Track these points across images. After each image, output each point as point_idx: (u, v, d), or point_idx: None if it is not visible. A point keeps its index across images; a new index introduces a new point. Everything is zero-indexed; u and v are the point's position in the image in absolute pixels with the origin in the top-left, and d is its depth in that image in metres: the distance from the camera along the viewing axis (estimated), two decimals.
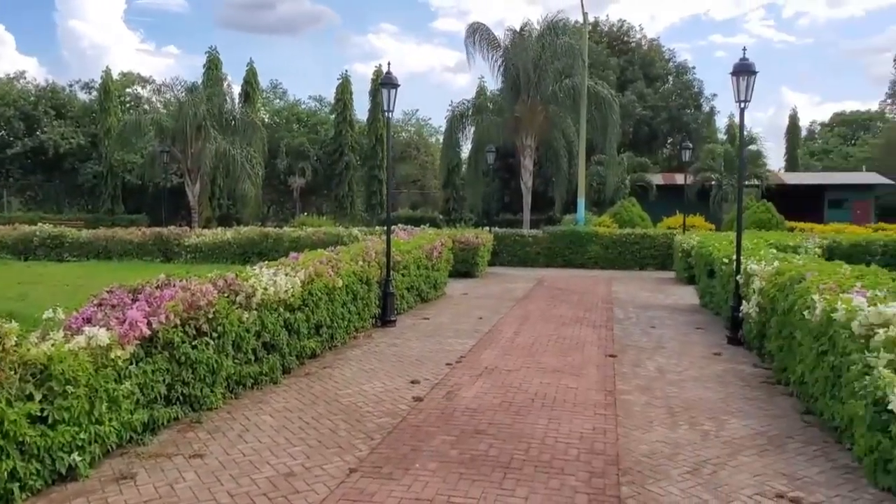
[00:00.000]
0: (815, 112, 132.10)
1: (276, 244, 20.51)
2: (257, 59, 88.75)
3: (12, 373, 4.00)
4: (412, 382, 7.01)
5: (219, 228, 24.19)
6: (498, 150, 27.92)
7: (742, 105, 9.75)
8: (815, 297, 5.79)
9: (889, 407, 4.20)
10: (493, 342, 9.20)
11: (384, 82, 10.77)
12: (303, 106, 49.39)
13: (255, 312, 6.43)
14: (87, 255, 22.33)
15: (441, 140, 53.13)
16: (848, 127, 64.73)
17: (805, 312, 5.94)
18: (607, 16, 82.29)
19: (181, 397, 5.58)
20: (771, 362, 7.65)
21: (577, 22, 31.53)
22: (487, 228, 22.20)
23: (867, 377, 4.62)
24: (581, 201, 25.39)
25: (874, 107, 58.91)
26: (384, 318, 10.25)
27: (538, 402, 6.39)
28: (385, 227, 11.31)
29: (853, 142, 61.13)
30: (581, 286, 16.19)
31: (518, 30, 30.31)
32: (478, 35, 30.49)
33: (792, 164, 58.38)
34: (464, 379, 7.18)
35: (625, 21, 52.52)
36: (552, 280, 17.48)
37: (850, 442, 5.00)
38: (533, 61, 28.76)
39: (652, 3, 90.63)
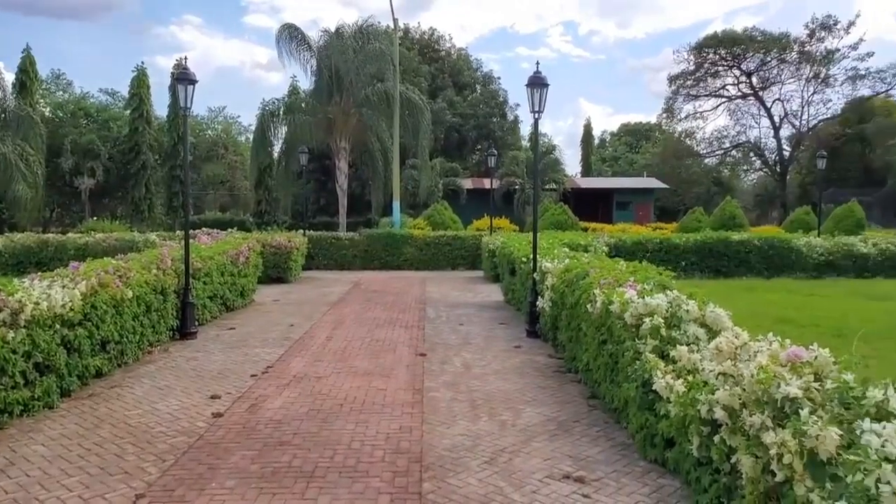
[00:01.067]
0: (607, 122, 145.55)
1: (59, 252, 18.51)
2: (36, 45, 79.68)
3: None
4: (212, 397, 6.63)
5: None
6: (312, 151, 27.50)
7: (536, 115, 10.44)
8: (596, 291, 6.35)
9: (654, 387, 4.71)
10: (303, 349, 9.01)
11: (180, 77, 10.12)
12: (92, 100, 45.08)
13: (23, 331, 5.69)
14: None
15: (251, 139, 51.26)
16: (633, 136, 72.06)
17: (588, 306, 6.48)
18: (419, 23, 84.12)
19: None
20: (563, 352, 8.27)
21: (388, 27, 31.98)
22: (302, 231, 21.75)
23: (637, 362, 5.14)
24: (396, 204, 25.78)
25: (654, 119, 66.25)
26: (183, 331, 9.61)
27: (347, 406, 6.36)
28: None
29: (637, 150, 68.17)
30: (396, 288, 16.41)
31: (333, 31, 30.14)
32: (289, 35, 29.85)
33: (587, 170, 63.81)
34: (269, 390, 6.94)
35: (435, 30, 54.18)
36: (368, 282, 17.54)
37: (626, 421, 5.54)
38: (346, 64, 28.71)
39: (462, 13, 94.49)
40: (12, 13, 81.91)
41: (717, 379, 3.98)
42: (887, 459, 2.26)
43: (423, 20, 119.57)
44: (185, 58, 10.23)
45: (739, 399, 3.64)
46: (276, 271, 16.89)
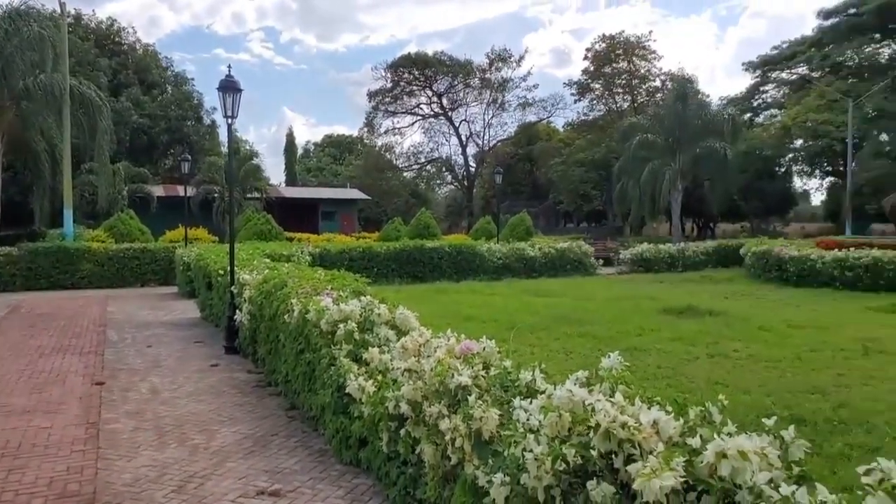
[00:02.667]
0: (311, 133, 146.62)
1: None
2: None
3: None
4: None
5: None
6: None
7: (229, 120, 10.09)
8: (294, 301, 6.31)
9: (347, 391, 4.82)
10: None
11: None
12: None
13: None
14: None
15: None
16: (337, 148, 73.71)
17: (286, 316, 6.41)
18: (93, 11, 75.56)
19: None
20: (263, 367, 8.06)
21: (54, 11, 28.19)
22: None
23: (332, 368, 5.22)
24: (69, 213, 22.69)
25: (356, 132, 68.64)
26: None
27: None
28: None
29: (341, 161, 69.91)
30: (70, 310, 14.45)
31: None
32: None
33: (291, 179, 63.54)
34: None
35: (115, 20, 48.99)
36: (33, 305, 15.18)
37: (324, 428, 5.59)
38: None
39: (149, 6, 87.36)
40: None
41: (402, 375, 4.22)
42: (531, 430, 2.60)
43: (102, 10, 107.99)
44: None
45: (421, 392, 3.89)
46: None
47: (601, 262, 24.43)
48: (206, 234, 27.52)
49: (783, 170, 46.61)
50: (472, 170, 57.76)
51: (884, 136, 41.12)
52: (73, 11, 43.04)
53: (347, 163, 67.86)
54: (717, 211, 43.60)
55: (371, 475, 4.75)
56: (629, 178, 37.12)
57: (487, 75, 55.13)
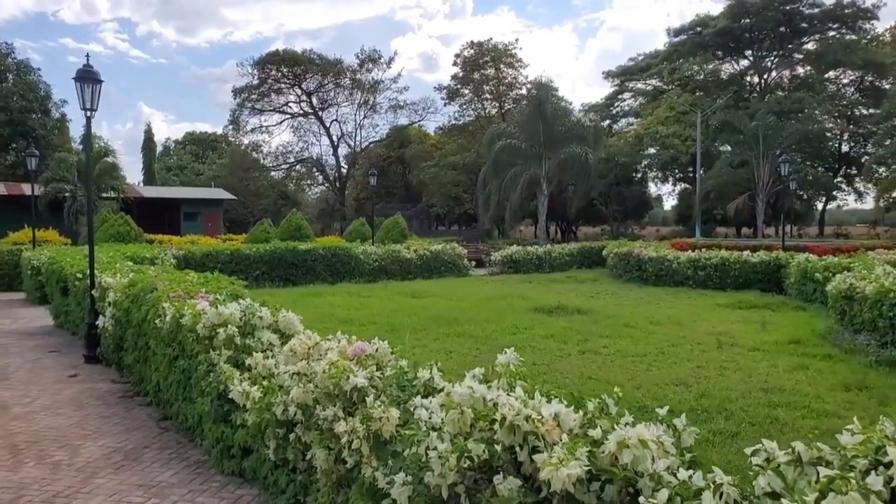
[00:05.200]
0: (171, 130, 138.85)
1: None
2: None
3: None
4: None
5: None
6: None
7: (88, 113, 9.39)
8: (166, 305, 5.98)
9: (229, 397, 4.64)
10: None
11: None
12: None
13: None
14: None
15: None
16: (199, 146, 70.27)
17: (157, 321, 6.05)
18: None
19: None
20: (129, 375, 7.58)
21: None
22: None
23: (211, 374, 5.00)
24: None
25: (220, 130, 65.80)
26: None
27: None
28: None
29: (204, 160, 66.72)
30: None
31: None
32: None
33: (150, 178, 59.93)
34: None
35: None
36: None
37: (201, 438, 5.34)
38: None
39: None
40: None
41: (291, 379, 4.12)
42: (433, 428, 2.64)
43: None
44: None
45: (313, 395, 3.83)
46: None
47: (473, 263, 25.03)
48: (56, 235, 25.34)
49: (639, 175, 50.00)
50: (344, 171, 57.22)
51: (727, 147, 45.29)
52: None
53: (211, 161, 64.92)
54: (580, 214, 46.06)
55: (256, 485, 4.60)
56: (495, 181, 38.24)
57: (358, 76, 54.79)
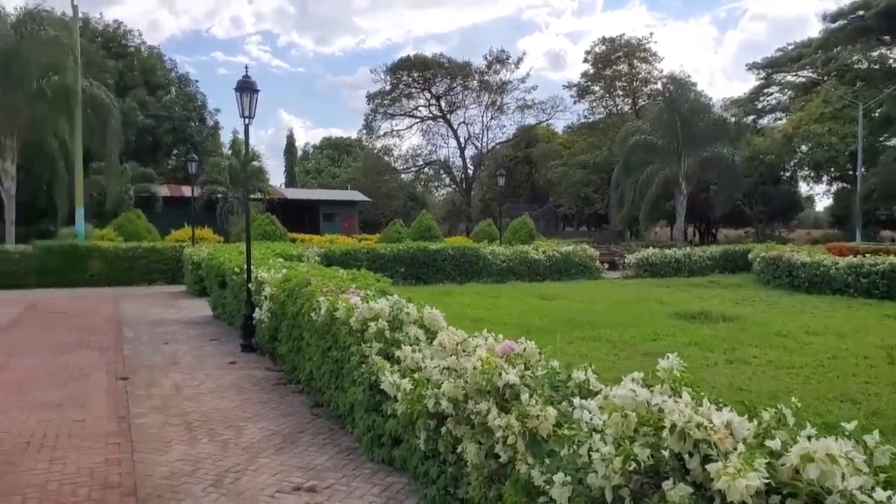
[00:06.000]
0: (308, 135, 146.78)
1: None
2: None
3: None
4: None
5: None
6: None
7: (246, 120, 10.14)
8: (321, 299, 6.35)
9: (381, 388, 4.87)
10: None
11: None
12: None
13: None
14: None
15: None
16: (335, 150, 73.73)
17: (312, 314, 6.45)
18: (101, 14, 75.64)
19: None
20: (283, 364, 8.11)
21: (64, 14, 28.32)
22: None
23: (363, 365, 5.27)
24: (80, 212, 22.80)
25: (353, 134, 68.70)
26: None
27: (36, 444, 5.44)
28: None
29: (339, 164, 69.94)
30: (83, 307, 14.50)
31: None
32: None
33: (291, 181, 63.63)
34: None
35: (122, 23, 49.15)
36: (47, 303, 15.21)
37: (352, 426, 5.63)
38: (10, 50, 24.64)
39: (149, 10, 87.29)
40: None
41: (441, 374, 4.26)
42: (595, 430, 2.65)
43: (107, 13, 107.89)
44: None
45: (463, 390, 3.94)
46: None
47: (606, 265, 24.46)
48: (210, 233, 27.58)
49: (788, 174, 46.56)
50: (471, 172, 57.80)
51: (894, 141, 40.88)
52: (81, 15, 43.12)
53: (346, 165, 67.84)
54: (721, 216, 43.57)
55: (405, 474, 4.79)
56: (628, 181, 37.08)
57: (486, 77, 55.15)
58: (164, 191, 37.36)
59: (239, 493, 4.53)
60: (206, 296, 14.84)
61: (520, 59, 56.11)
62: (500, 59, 55.06)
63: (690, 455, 2.23)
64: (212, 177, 36.76)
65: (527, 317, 12.33)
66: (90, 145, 26.71)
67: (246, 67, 10.29)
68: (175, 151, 47.45)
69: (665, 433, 2.29)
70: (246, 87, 10.07)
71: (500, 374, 3.59)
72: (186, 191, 34.66)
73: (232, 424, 6.09)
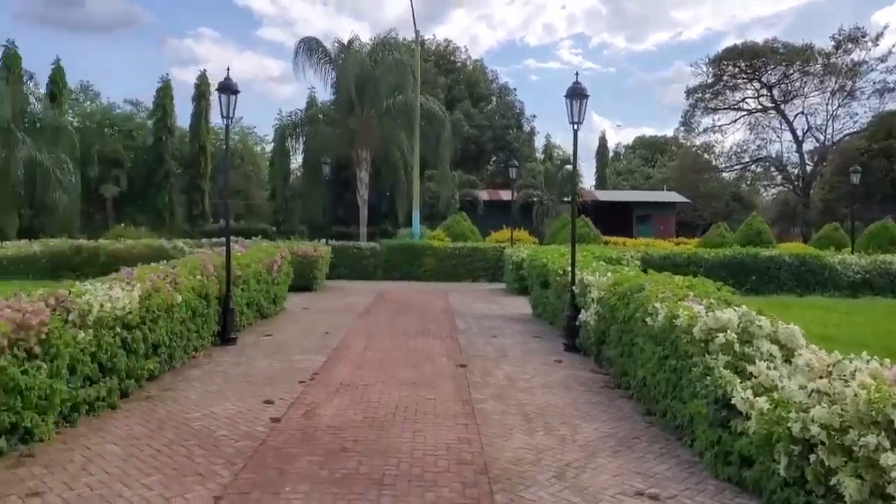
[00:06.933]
0: (618, 135, 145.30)
1: (91, 258, 18.71)
2: (64, 58, 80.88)
3: None
4: (266, 402, 6.60)
5: (23, 241, 21.65)
6: (329, 162, 27.74)
7: (575, 126, 10.38)
8: (658, 304, 6.24)
9: (731, 403, 4.61)
10: (343, 357, 8.96)
11: (223, 87, 10.17)
12: (117, 111, 45.40)
13: (90, 331, 5.76)
14: None
15: (266, 149, 51.34)
16: (648, 149, 71.81)
17: (648, 319, 6.37)
18: (434, 35, 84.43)
19: (8, 428, 4.90)
20: (609, 367, 8.15)
21: (405, 39, 32.23)
22: (324, 241, 21.77)
23: (708, 378, 5.04)
24: (416, 215, 25.79)
25: (668, 132, 66.04)
26: (224, 336, 9.60)
27: (400, 415, 6.30)
28: (223, 240, 10.65)
29: (652, 163, 67.94)
30: (420, 299, 16.35)
31: (347, 44, 30.42)
32: (308, 48, 30.17)
33: (602, 183, 63.60)
34: (320, 396, 6.89)
35: (451, 41, 54.40)
36: (391, 293, 17.49)
37: (691, 439, 5.42)
38: (366, 76, 28.88)
39: (470, 26, 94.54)
40: (41, 27, 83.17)
41: (809, 397, 3.89)
42: None
43: (438, 33, 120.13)
44: (228, 69, 10.29)
45: (840, 417, 3.55)
46: (302, 280, 16.79)
47: None
48: (526, 235, 28.93)
49: None
50: (809, 169, 51.35)
51: None
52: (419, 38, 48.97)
53: (660, 164, 65.53)
54: None
55: (755, 497, 4.47)
56: None
57: (833, 59, 48.40)
58: (483, 195, 40.27)
59: (582, 489, 4.68)
60: (526, 294, 15.59)
61: (879, 35, 48.05)
62: (852, 38, 47.90)
63: None
64: (528, 181, 38.62)
65: (892, 338, 10.57)
66: (425, 155, 30.06)
67: (577, 74, 10.55)
68: (494, 158, 50.84)
69: None
70: (575, 94, 10.31)
71: (893, 406, 3.15)
72: (503, 194, 36.95)
73: (566, 421, 6.30)
